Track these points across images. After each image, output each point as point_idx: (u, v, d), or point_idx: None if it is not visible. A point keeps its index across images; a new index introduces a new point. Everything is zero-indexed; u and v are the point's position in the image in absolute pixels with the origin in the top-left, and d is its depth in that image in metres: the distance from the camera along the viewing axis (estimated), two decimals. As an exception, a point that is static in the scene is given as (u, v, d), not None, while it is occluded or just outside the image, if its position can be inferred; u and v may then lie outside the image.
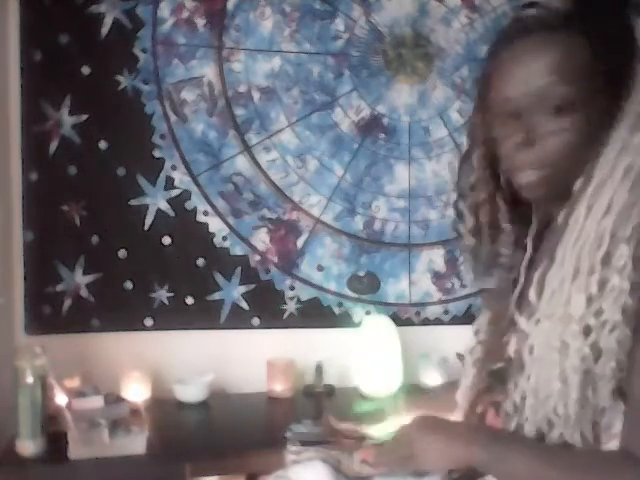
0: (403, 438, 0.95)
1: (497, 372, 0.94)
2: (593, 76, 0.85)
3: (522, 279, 0.96)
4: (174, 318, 2.09)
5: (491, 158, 0.96)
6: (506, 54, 0.91)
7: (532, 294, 0.88)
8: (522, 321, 0.90)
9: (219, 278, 2.12)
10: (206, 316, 2.12)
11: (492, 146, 0.95)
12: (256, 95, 2.13)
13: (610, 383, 0.78)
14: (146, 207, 2.07)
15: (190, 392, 2.01)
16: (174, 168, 2.09)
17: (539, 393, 0.83)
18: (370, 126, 2.20)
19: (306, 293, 2.19)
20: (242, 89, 2.13)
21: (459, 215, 1.01)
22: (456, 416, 1.04)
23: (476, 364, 1.00)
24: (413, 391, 2.02)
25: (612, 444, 0.80)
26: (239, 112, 2.13)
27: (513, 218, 0.99)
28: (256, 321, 2.16)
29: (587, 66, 0.85)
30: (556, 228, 0.89)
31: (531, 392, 0.84)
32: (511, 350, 0.91)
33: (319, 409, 1.97)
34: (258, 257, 2.15)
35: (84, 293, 2.04)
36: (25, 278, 1.99)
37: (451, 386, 1.15)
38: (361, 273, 2.22)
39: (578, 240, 0.83)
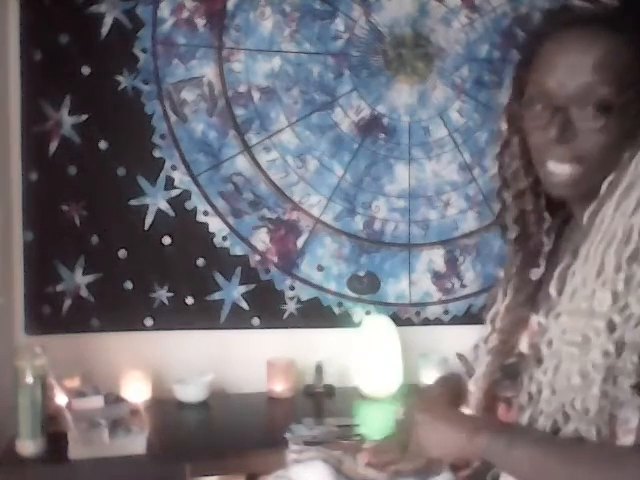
0: (406, 425, 0.94)
1: (508, 367, 0.94)
2: (635, 77, 0.84)
3: (541, 272, 0.96)
4: (174, 318, 2.09)
5: (527, 146, 0.95)
6: (550, 45, 0.88)
7: (552, 290, 0.88)
8: (539, 316, 0.89)
9: (219, 278, 2.12)
10: (206, 316, 2.11)
11: (523, 135, 0.94)
12: (256, 95, 2.13)
13: (631, 378, 0.78)
14: (146, 207, 2.07)
15: (190, 392, 2.01)
16: (174, 168, 2.09)
17: (556, 386, 0.83)
18: (370, 126, 2.20)
19: (306, 293, 2.19)
20: (242, 89, 2.12)
21: (503, 205, 0.99)
22: (464, 404, 1.04)
23: (491, 352, 0.99)
24: (412, 392, 2.02)
25: (628, 439, 0.80)
26: (239, 112, 2.13)
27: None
28: (256, 321, 2.15)
29: (631, 67, 0.84)
30: (580, 226, 0.88)
31: (547, 385, 0.84)
32: (524, 346, 0.90)
33: (319, 409, 1.98)
34: (258, 257, 2.15)
35: (84, 293, 2.04)
36: (25, 278, 1.99)
37: (444, 380, 1.15)
38: (361, 273, 2.22)
39: (604, 238, 0.82)
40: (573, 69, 0.85)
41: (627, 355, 0.78)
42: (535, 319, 0.91)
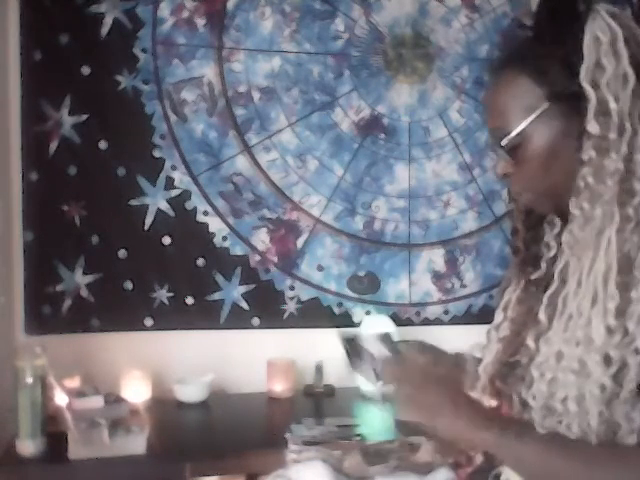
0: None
1: (515, 364, 0.94)
2: (546, 107, 0.87)
3: (541, 273, 0.97)
4: (174, 318, 2.09)
5: None
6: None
7: (542, 315, 0.89)
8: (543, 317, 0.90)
9: (219, 278, 2.12)
10: (206, 316, 2.11)
11: None
12: (256, 95, 2.13)
13: (626, 404, 0.79)
14: (146, 207, 2.07)
15: (190, 392, 2.01)
16: (174, 168, 2.09)
17: (549, 410, 0.84)
18: (370, 126, 2.20)
19: (306, 293, 2.19)
20: (242, 89, 2.12)
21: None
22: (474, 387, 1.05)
23: (502, 341, 0.99)
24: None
25: (632, 438, 0.80)
26: (239, 112, 2.13)
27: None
28: (256, 321, 2.15)
29: (536, 100, 0.87)
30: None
31: (539, 408, 0.85)
32: (530, 343, 0.91)
33: (319, 409, 1.98)
34: (258, 257, 2.15)
35: (84, 293, 2.04)
36: (25, 278, 1.99)
37: (456, 364, 1.15)
38: (361, 273, 2.22)
39: (595, 265, 0.83)
40: (487, 115, 0.94)
41: (625, 385, 0.79)
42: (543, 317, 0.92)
